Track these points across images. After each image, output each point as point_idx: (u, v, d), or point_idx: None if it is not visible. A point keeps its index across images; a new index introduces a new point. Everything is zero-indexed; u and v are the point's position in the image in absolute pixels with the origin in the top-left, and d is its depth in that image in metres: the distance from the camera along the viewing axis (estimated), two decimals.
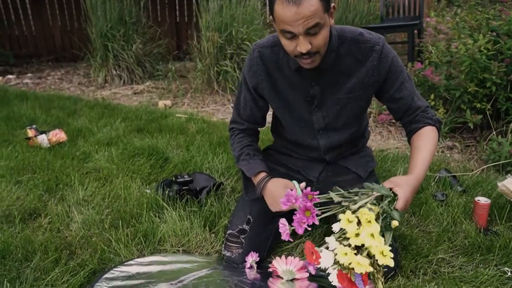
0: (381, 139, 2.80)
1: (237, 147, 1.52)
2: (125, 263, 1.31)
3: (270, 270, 1.34)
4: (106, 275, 1.21)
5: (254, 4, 3.99)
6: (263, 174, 1.43)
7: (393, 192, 1.15)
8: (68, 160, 2.23)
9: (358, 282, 1.01)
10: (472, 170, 2.16)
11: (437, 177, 1.99)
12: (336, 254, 1.01)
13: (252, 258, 1.41)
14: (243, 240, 1.46)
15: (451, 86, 2.54)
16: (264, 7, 4.23)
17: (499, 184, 1.65)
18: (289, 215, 1.33)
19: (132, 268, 1.27)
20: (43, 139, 2.49)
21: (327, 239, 1.05)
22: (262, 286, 1.29)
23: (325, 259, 1.02)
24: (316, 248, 1.06)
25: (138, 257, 1.38)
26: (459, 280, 1.31)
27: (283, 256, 1.34)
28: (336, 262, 1.02)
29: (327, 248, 1.05)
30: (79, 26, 5.96)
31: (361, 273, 0.99)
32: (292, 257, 1.34)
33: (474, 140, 2.62)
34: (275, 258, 1.35)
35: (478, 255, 1.43)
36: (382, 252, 0.99)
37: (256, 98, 1.47)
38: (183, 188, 1.84)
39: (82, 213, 1.70)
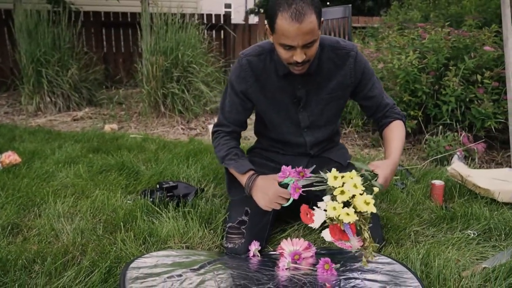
0: None
1: (223, 147, 1.60)
2: (143, 256, 1.32)
3: (278, 251, 1.44)
4: (132, 265, 1.21)
5: (197, 30, 4.16)
6: (251, 172, 1.52)
7: (374, 173, 1.35)
8: (33, 180, 2.12)
9: (347, 231, 1.19)
10: (418, 165, 2.48)
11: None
12: (327, 211, 1.19)
13: (255, 247, 1.50)
14: (244, 230, 1.54)
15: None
16: (208, 32, 4.41)
17: (448, 168, 1.96)
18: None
19: (151, 259, 1.29)
20: None
21: (319, 203, 1.24)
22: (270, 270, 1.38)
23: (318, 217, 1.21)
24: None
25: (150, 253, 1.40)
26: (435, 244, 1.53)
27: (288, 239, 1.46)
28: (328, 219, 1.21)
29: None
30: None
31: (349, 222, 1.18)
32: (297, 238, 1.46)
33: (409, 144, 2.99)
34: (274, 245, 1.45)
35: (445, 224, 1.68)
36: (365, 200, 1.18)
37: (245, 101, 1.60)
38: (168, 194, 1.87)
39: (70, 224, 1.65)
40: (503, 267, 1.29)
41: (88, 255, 1.38)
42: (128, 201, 1.89)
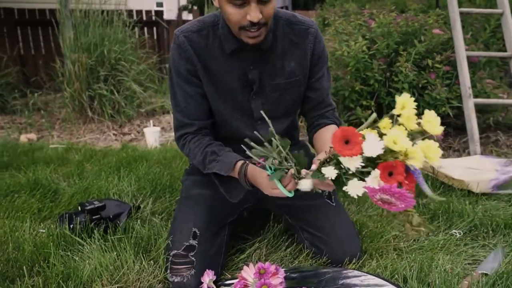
0: None
1: (197, 152, 1.27)
2: None
3: (238, 284, 1.13)
4: None
5: (124, 25, 3.72)
6: (240, 163, 1.20)
7: None
8: None
9: (418, 178, 0.82)
10: None
11: None
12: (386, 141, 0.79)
13: (209, 278, 1.18)
14: (193, 258, 1.22)
15: (339, 87, 2.71)
16: (139, 29, 3.97)
17: None
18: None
19: None
20: None
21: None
22: None
23: (371, 147, 0.79)
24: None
25: None
26: (420, 251, 1.31)
27: (250, 264, 1.15)
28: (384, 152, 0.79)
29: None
30: None
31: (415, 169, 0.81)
32: (261, 262, 1.16)
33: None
34: (231, 271, 1.15)
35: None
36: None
37: (199, 86, 1.26)
38: (93, 217, 1.49)
39: None
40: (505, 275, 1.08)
41: None
42: (42, 230, 1.48)
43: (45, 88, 4.40)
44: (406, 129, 0.85)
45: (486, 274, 1.15)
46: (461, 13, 2.71)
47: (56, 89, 4.70)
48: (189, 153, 1.29)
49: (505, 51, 2.73)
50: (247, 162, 1.19)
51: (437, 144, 0.83)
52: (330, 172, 0.87)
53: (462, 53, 2.55)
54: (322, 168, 0.90)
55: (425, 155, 0.82)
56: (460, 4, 2.73)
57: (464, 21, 2.86)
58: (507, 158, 1.95)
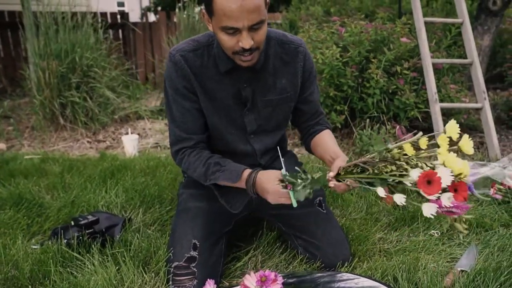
0: None
1: (198, 164, 1.30)
2: None
3: None
4: None
5: (93, 30, 3.65)
6: (247, 172, 1.25)
7: None
8: None
9: (470, 187, 1.01)
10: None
11: None
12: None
13: (210, 287, 1.23)
14: (194, 269, 1.27)
15: None
16: (107, 31, 3.91)
17: None
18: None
19: None
20: None
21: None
22: None
23: (445, 178, 0.94)
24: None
25: None
26: (403, 252, 1.42)
27: (252, 272, 1.22)
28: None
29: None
30: None
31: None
32: (260, 270, 1.23)
33: (338, 139, 2.94)
34: (229, 279, 1.20)
35: (406, 227, 1.58)
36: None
37: (196, 101, 1.31)
38: (87, 231, 1.50)
39: None
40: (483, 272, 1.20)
41: None
42: (34, 247, 1.47)
43: (10, 94, 4.24)
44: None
45: (463, 271, 1.28)
46: (426, 23, 2.89)
47: (20, 94, 4.55)
48: (188, 167, 1.32)
49: (465, 57, 2.93)
50: (256, 170, 1.24)
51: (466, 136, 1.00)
52: (399, 198, 0.98)
53: (428, 60, 2.72)
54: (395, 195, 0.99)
55: (463, 150, 0.99)
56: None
57: (427, 30, 3.04)
58: (473, 160, 2.11)
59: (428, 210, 0.96)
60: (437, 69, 2.90)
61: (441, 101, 2.76)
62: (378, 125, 2.65)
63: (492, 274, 1.20)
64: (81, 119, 3.38)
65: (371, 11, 4.30)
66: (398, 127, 2.46)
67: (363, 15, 3.37)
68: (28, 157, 2.68)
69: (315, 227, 1.40)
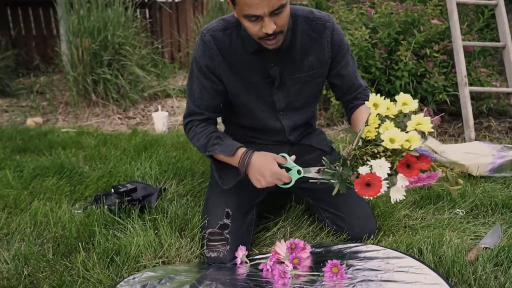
0: None
1: (202, 135, 1.38)
2: (126, 279, 1.07)
3: (272, 260, 1.26)
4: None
5: (125, 7, 3.73)
6: (243, 150, 1.32)
7: None
8: None
9: (430, 155, 1.02)
10: None
11: None
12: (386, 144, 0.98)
13: (242, 253, 1.31)
14: (227, 235, 1.35)
15: None
16: (138, 9, 3.98)
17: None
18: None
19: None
20: None
21: (370, 162, 1.03)
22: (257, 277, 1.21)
23: (381, 171, 0.99)
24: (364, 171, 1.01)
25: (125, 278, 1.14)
26: (428, 228, 1.46)
27: (282, 241, 1.29)
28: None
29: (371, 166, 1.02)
30: None
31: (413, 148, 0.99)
32: (292, 239, 1.30)
33: None
34: (259, 247, 1.28)
35: (431, 205, 1.62)
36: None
37: (216, 82, 1.38)
38: (126, 198, 1.60)
39: (7, 249, 1.32)
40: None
41: None
42: (77, 211, 1.58)
43: (44, 72, 4.39)
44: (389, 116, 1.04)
45: (487, 248, 1.31)
46: (458, 4, 2.84)
47: (52, 71, 4.71)
48: (193, 136, 1.39)
49: (498, 40, 2.87)
50: (251, 150, 1.31)
51: (421, 114, 1.02)
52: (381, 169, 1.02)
53: (459, 43, 2.68)
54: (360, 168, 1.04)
55: (419, 129, 1.00)
56: None
57: (459, 12, 2.98)
58: (501, 144, 2.12)
59: (396, 194, 1.02)
60: (468, 52, 2.86)
61: (471, 84, 2.73)
62: None
63: None
64: (113, 95, 3.49)
65: None
66: (426, 109, 2.46)
67: None
68: (64, 130, 2.81)
69: (343, 201, 1.45)
